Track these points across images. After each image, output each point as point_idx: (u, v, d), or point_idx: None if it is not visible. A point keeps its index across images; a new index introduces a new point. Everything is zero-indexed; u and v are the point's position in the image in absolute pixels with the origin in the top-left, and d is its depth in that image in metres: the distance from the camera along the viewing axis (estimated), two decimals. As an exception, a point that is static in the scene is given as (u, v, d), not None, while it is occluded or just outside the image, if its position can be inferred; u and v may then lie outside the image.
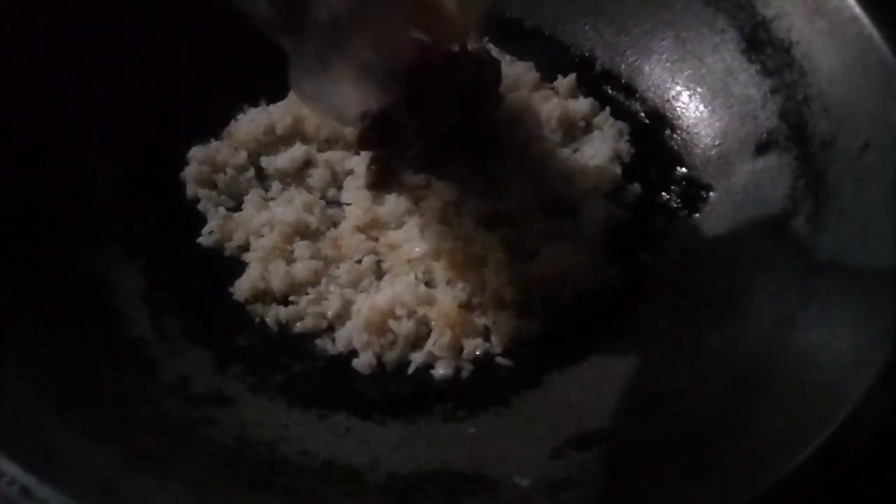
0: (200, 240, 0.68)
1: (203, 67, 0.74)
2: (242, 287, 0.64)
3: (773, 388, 0.51)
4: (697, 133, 0.73)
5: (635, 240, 0.69)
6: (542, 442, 0.55)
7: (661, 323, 0.62)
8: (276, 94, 0.75)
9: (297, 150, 0.73)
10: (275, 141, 0.74)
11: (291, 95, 0.75)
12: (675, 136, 0.74)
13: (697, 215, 0.69)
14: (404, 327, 0.62)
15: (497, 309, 0.63)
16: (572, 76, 0.79)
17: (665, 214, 0.70)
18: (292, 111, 0.74)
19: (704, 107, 0.73)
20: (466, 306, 0.63)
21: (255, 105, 0.76)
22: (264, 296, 0.65)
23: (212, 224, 0.68)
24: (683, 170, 0.72)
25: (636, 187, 0.72)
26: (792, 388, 0.50)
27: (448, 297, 0.63)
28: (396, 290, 0.63)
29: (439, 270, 0.65)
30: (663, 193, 0.72)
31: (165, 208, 0.69)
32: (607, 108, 0.77)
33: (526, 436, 0.57)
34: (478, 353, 0.62)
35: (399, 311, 0.62)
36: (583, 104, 0.77)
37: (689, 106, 0.74)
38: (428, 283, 0.65)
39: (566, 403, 0.59)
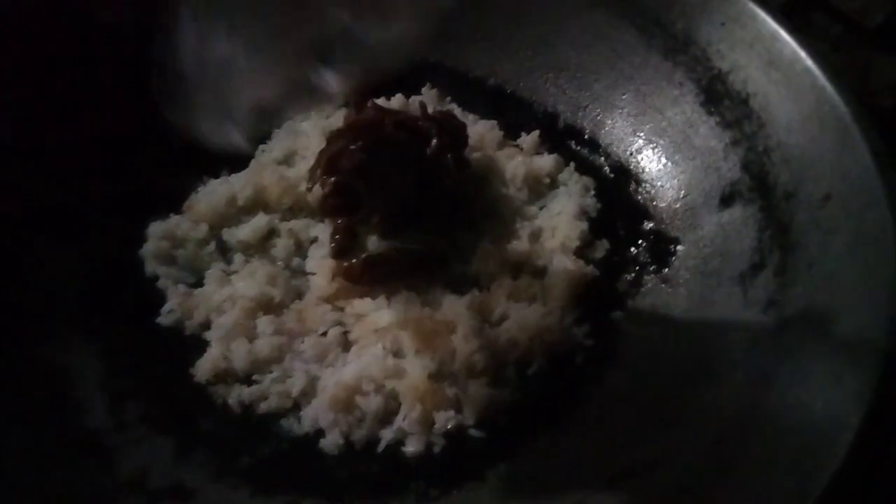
0: (160, 319, 0.66)
1: (161, 139, 0.72)
2: (204, 368, 0.62)
3: (750, 455, 0.49)
4: (662, 186, 0.73)
5: (605, 298, 0.68)
6: (518, 519, 0.53)
7: (634, 386, 0.61)
8: (236, 163, 0.74)
9: (260, 221, 0.71)
10: (237, 212, 0.72)
11: (253, 164, 0.75)
12: (640, 189, 0.74)
13: (667, 270, 0.68)
14: (372, 403, 0.60)
15: (468, 378, 0.61)
16: (536, 133, 0.78)
17: (634, 270, 0.70)
18: (253, 181, 0.73)
19: (667, 159, 0.73)
20: (436, 377, 0.61)
21: (216, 176, 0.75)
22: (226, 376, 0.63)
23: (171, 302, 0.66)
24: (650, 224, 0.72)
25: (604, 243, 0.71)
26: (770, 455, 0.48)
27: (417, 369, 0.61)
28: (363, 363, 0.62)
29: (407, 339, 0.63)
30: (632, 248, 0.71)
31: (124, 288, 0.67)
32: (572, 164, 0.76)
33: (502, 513, 0.55)
34: (450, 426, 0.60)
35: (366, 387, 0.60)
36: (547, 160, 0.76)
37: (653, 159, 0.74)
38: (396, 354, 0.63)
39: (542, 475, 0.57)
